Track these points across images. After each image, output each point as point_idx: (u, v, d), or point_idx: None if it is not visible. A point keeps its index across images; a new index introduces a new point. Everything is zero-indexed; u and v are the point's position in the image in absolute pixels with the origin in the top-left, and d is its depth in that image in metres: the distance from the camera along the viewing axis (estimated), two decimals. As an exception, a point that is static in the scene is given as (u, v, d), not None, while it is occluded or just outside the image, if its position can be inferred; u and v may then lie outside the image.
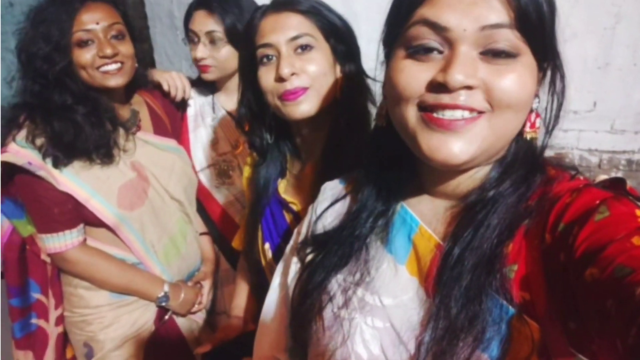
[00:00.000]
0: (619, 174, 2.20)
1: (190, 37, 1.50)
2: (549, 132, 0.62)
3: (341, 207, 0.78)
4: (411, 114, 0.58)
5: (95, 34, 1.25)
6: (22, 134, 1.24)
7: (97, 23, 1.25)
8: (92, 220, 1.34)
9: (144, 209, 1.38)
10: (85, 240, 1.37)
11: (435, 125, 0.56)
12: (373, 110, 1.07)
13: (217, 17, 1.44)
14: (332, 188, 0.84)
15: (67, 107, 1.25)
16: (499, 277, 0.55)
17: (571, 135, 2.19)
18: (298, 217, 1.06)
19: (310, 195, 1.04)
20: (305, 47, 0.95)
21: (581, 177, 0.60)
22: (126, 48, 1.31)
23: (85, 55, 1.24)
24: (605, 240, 0.47)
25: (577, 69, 2.00)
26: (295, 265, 0.81)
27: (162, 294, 1.42)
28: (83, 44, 1.24)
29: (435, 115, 0.56)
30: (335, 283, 0.70)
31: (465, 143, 0.55)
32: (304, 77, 0.94)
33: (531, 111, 0.60)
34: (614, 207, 0.50)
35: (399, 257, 0.67)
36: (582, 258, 0.48)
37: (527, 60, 0.55)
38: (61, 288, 1.43)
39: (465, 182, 0.64)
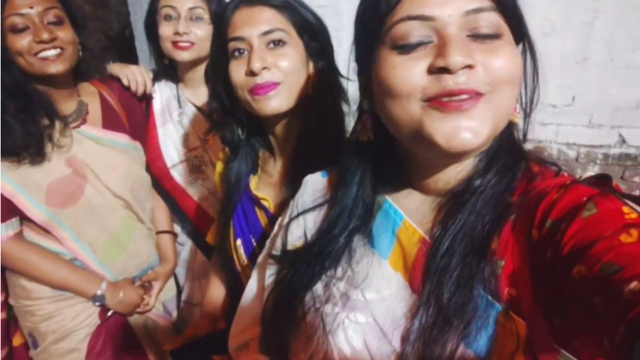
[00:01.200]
0: (596, 168, 2.25)
1: (166, 13, 1.43)
2: (527, 115, 0.63)
3: (323, 203, 0.77)
4: (414, 108, 0.56)
5: (30, 19, 1.18)
6: None
7: (31, 7, 1.18)
8: (23, 215, 1.30)
9: (78, 206, 1.33)
10: (19, 233, 1.32)
11: (446, 109, 0.54)
12: (346, 109, 1.06)
13: None
14: (314, 181, 0.83)
15: None
16: (487, 273, 0.55)
17: (550, 129, 2.22)
18: (270, 214, 1.05)
19: (282, 191, 1.03)
20: (277, 42, 0.93)
21: (565, 174, 0.61)
22: (65, 34, 1.24)
23: (20, 42, 1.18)
24: (593, 238, 0.47)
25: (556, 63, 2.03)
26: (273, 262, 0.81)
27: (99, 292, 1.38)
28: (17, 30, 1.17)
29: (443, 100, 0.55)
30: (319, 280, 0.69)
31: (477, 123, 0.54)
32: (276, 72, 0.92)
33: None
34: (601, 204, 0.50)
35: (382, 251, 0.67)
36: (570, 255, 0.48)
37: (509, 39, 0.57)
38: (4, 276, 1.40)
39: (455, 176, 0.64)
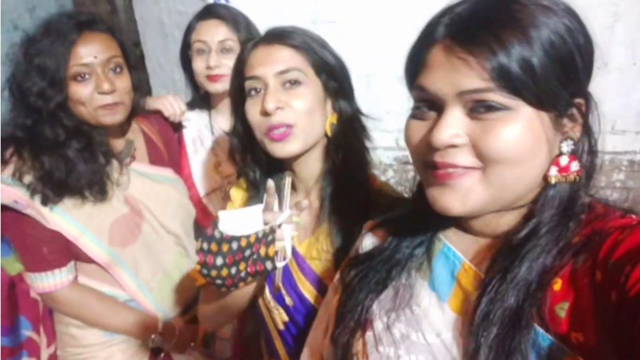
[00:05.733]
0: (621, 175, 2.19)
1: (198, 47, 1.46)
2: (590, 176, 0.60)
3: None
4: (421, 167, 0.63)
5: (93, 68, 1.19)
6: (9, 170, 1.16)
7: (95, 57, 1.18)
8: (82, 258, 1.27)
9: (137, 244, 1.31)
10: (76, 277, 1.30)
11: (434, 179, 0.60)
12: (369, 144, 1.05)
13: (230, 25, 1.43)
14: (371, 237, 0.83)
15: (59, 142, 1.18)
16: (548, 315, 0.54)
17: (571, 137, 2.17)
18: (297, 255, 1.01)
19: (308, 230, 1.01)
20: (293, 82, 0.93)
21: (633, 216, 0.58)
22: (124, 82, 1.24)
23: (82, 91, 1.18)
24: None
25: (576, 70, 1.98)
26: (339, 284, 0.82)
27: (156, 334, 1.35)
28: (80, 78, 1.18)
29: (435, 170, 0.59)
30: (379, 321, 0.70)
31: (459, 196, 0.58)
32: (289, 113, 0.91)
33: (561, 154, 0.59)
34: None
35: (442, 294, 0.67)
36: (636, 301, 0.45)
37: (523, 111, 0.54)
38: (53, 325, 1.37)
39: (496, 222, 0.64)
